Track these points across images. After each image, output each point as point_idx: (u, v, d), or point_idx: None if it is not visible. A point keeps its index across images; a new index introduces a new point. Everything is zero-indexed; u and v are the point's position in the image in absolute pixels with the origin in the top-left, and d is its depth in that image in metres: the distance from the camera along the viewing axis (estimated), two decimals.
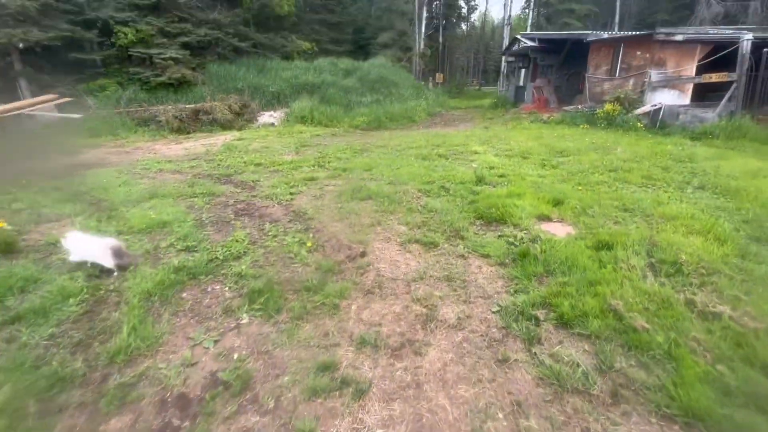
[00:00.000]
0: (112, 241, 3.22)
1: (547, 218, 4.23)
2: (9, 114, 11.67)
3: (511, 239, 3.73)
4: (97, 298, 2.86)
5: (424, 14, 26.28)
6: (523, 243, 3.58)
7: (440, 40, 34.31)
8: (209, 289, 3.01)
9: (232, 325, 2.58)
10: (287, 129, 14.40)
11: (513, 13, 35.58)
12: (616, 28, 26.66)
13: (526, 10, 33.65)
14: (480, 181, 5.84)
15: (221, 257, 3.47)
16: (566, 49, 17.21)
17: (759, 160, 7.12)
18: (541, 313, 2.59)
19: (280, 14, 19.33)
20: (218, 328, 2.56)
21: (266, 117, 16.75)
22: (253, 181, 6.28)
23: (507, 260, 3.37)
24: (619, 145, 8.40)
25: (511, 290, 2.94)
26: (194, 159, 8.59)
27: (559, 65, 18.35)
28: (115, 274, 3.14)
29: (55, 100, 14.22)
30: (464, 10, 44.34)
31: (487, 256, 3.45)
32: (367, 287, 3.02)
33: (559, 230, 3.92)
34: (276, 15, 19.60)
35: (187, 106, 15.51)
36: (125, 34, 15.60)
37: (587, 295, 2.67)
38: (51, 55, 15.05)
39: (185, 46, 17.03)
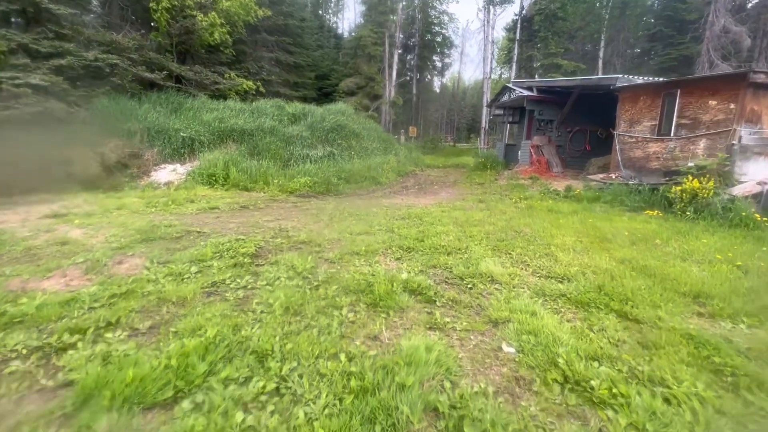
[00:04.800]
0: None
1: None
2: None
3: None
4: None
5: (396, 59, 23.07)
6: None
7: (414, 91, 31.45)
8: None
9: None
10: (179, 194, 9.32)
11: (489, 70, 33.70)
12: None
13: (506, 65, 31.73)
14: None
15: None
16: (572, 101, 13.65)
17: None
18: None
19: (211, 43, 15.04)
20: None
21: (166, 172, 11.66)
22: None
23: None
24: None
25: None
26: None
27: (560, 120, 14.73)
28: None
29: None
30: (438, 64, 42.86)
31: None
32: None
33: None
34: (207, 45, 15.30)
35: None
36: None
37: None
38: None
39: (60, 70, 12.14)
